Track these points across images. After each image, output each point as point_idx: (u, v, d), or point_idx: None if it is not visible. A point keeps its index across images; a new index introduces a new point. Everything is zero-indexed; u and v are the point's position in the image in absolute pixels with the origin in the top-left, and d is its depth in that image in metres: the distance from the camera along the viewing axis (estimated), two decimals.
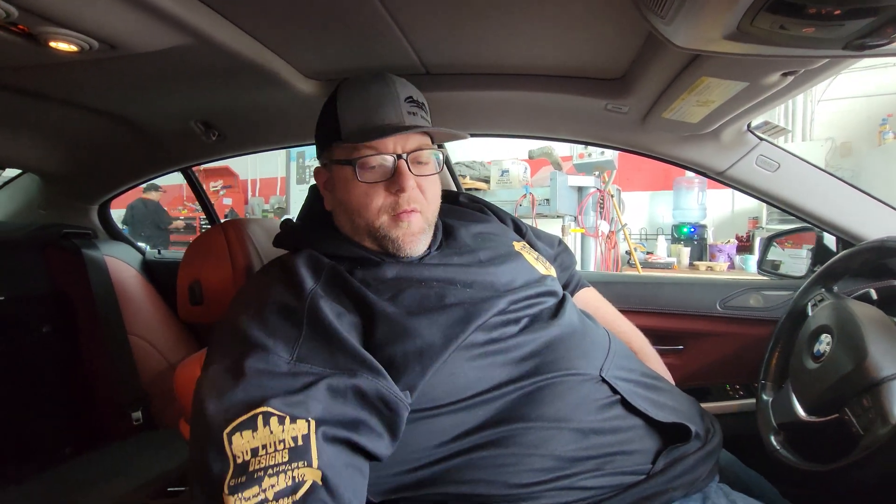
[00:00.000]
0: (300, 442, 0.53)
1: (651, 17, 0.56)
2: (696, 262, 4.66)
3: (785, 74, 0.68)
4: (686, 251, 4.78)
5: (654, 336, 1.11)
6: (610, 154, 3.71)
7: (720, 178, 1.12)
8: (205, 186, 8.58)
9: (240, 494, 0.49)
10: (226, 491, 0.50)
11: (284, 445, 0.52)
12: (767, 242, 1.53)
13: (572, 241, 3.67)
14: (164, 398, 1.50)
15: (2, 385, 1.37)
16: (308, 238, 0.81)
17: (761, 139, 1.06)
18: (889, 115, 4.36)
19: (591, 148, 3.76)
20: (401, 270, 0.75)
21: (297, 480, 0.51)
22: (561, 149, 4.25)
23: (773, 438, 0.89)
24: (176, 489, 0.99)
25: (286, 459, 0.52)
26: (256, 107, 1.15)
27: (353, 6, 0.75)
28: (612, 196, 3.86)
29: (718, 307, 1.25)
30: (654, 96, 0.88)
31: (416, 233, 0.76)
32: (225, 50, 0.83)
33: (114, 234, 1.71)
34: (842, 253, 0.95)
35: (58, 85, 1.03)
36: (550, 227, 3.75)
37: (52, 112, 1.17)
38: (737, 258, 4.75)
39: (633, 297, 1.30)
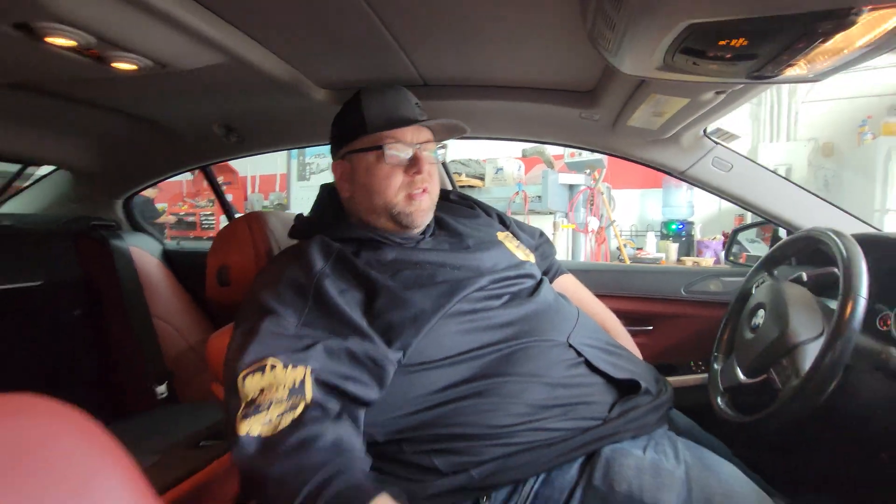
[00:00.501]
0: (296, 385, 0.70)
1: (602, 51, 0.71)
2: (684, 258, 4.82)
3: (717, 93, 0.83)
4: (674, 247, 4.94)
5: (626, 318, 1.27)
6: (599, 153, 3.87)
7: (682, 177, 1.27)
8: (205, 183, 8.66)
9: (248, 420, 0.67)
10: (238, 419, 0.68)
11: (285, 386, 0.70)
12: (733, 236, 1.69)
13: (563, 237, 3.82)
14: (186, 374, 1.65)
15: (38, 363, 1.52)
16: (320, 226, 0.96)
17: (716, 143, 1.21)
18: (869, 117, 4.52)
19: None
20: (399, 254, 0.90)
21: (294, 406, 0.69)
22: (553, 147, 4.39)
23: (719, 400, 1.04)
24: (207, 443, 1.14)
25: (285, 395, 0.69)
26: (274, 112, 1.29)
27: (362, 28, 0.89)
28: (602, 193, 4.01)
29: (682, 292, 1.41)
30: (618, 107, 1.03)
31: (425, 209, 0.92)
32: (252, 66, 0.98)
33: (136, 226, 1.86)
34: (780, 242, 1.10)
35: (99, 92, 1.17)
36: (542, 223, 3.90)
37: (88, 115, 1.31)
38: (722, 254, 4.91)
39: (607, 283, 1.45)
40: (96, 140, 1.49)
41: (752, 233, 1.93)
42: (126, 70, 0.87)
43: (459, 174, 4.82)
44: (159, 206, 7.20)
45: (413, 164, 0.91)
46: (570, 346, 0.89)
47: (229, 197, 7.48)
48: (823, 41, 0.52)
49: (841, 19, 0.47)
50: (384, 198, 0.91)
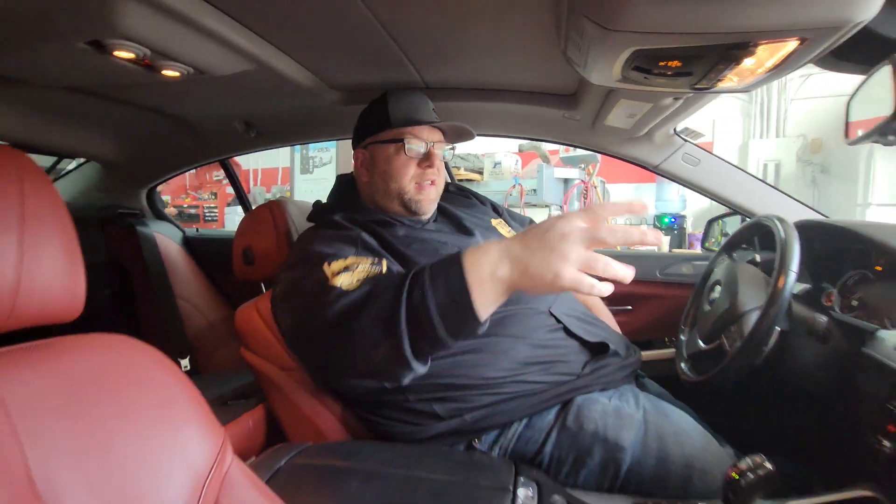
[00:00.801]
0: (375, 261, 0.88)
1: (574, 66, 0.85)
2: (676, 250, 4.97)
3: (675, 99, 0.98)
4: (666, 239, 5.09)
5: (608, 298, 1.40)
6: None
7: (656, 171, 1.42)
8: (208, 176, 8.71)
9: (339, 276, 0.84)
10: (329, 277, 0.84)
11: (363, 266, 0.86)
12: (708, 226, 1.84)
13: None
14: (206, 349, 1.81)
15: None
16: (338, 208, 1.10)
17: (685, 140, 1.36)
18: None
19: None
20: (409, 231, 1.05)
21: (375, 264, 0.87)
22: (549, 143, 4.54)
23: (683, 365, 1.20)
24: (234, 402, 1.29)
25: (368, 264, 0.87)
26: (290, 111, 1.44)
27: (371, 38, 1.02)
28: (596, 187, 4.16)
29: (658, 274, 1.56)
30: (595, 109, 1.18)
31: (432, 199, 1.09)
32: (275, 71, 1.12)
33: (159, 215, 2.00)
34: (737, 228, 1.25)
35: (132, 92, 1.31)
36: (537, 216, 4.04)
37: (120, 112, 1.45)
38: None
39: None
40: (125, 134, 1.63)
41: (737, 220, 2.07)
42: (171, 76, 1.01)
43: (459, 168, 4.96)
44: (163, 198, 7.31)
45: (426, 159, 1.06)
46: (551, 314, 1.04)
47: (231, 190, 7.56)
48: (738, 63, 0.67)
49: (744, 48, 0.62)
50: (399, 184, 1.06)
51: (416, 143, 1.05)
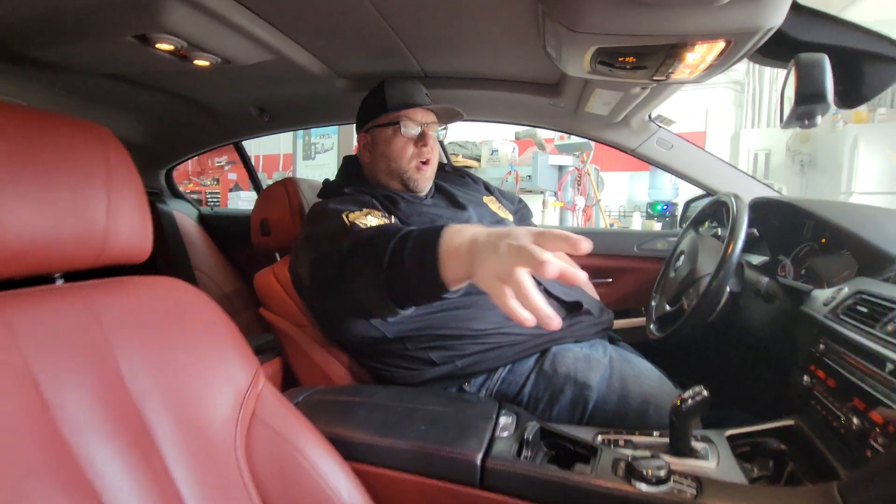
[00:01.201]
0: (383, 218, 1.00)
1: (552, 59, 0.99)
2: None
3: (642, 88, 1.12)
4: (658, 226, 5.24)
5: (590, 271, 1.58)
6: None
7: (634, 154, 1.56)
8: (210, 162, 8.80)
9: (356, 219, 0.96)
10: (346, 221, 0.96)
11: (376, 216, 0.99)
12: (685, 207, 1.98)
13: (552, 214, 4.11)
14: None
15: None
16: (346, 184, 1.25)
17: (659, 126, 1.50)
18: None
19: None
20: (409, 206, 1.19)
21: (384, 217, 0.99)
22: (545, 131, 4.67)
23: (651, 326, 1.35)
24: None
25: (380, 216, 0.99)
26: (301, 97, 1.58)
27: (375, 30, 1.14)
28: (590, 174, 4.30)
29: (636, 249, 1.71)
30: (576, 98, 1.32)
31: (429, 178, 1.23)
32: (291, 60, 1.26)
33: (176, 193, 2.15)
34: (702, 206, 1.40)
35: (160, 78, 1.45)
36: (532, 201, 4.18)
37: (144, 96, 1.58)
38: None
39: None
40: (148, 117, 1.77)
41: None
42: (201, 66, 1.15)
43: (457, 155, 5.09)
44: None
45: (421, 139, 1.19)
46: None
47: (234, 176, 7.64)
48: (682, 59, 0.81)
49: (683, 47, 0.76)
50: (399, 164, 1.20)
51: (411, 125, 1.18)
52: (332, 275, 0.93)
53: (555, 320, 0.56)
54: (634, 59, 0.83)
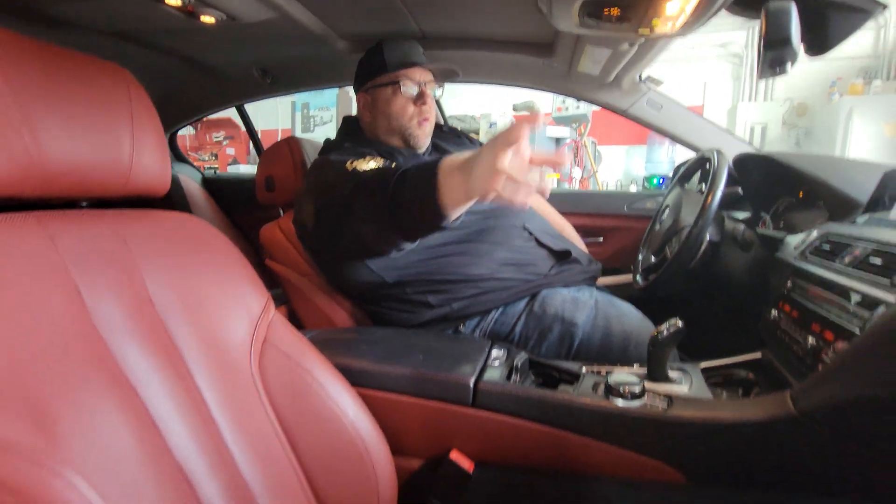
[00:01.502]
0: (385, 163, 1.04)
1: (545, 15, 1.04)
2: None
3: (630, 45, 1.17)
4: None
5: (582, 231, 1.64)
6: (584, 108, 4.18)
7: (626, 114, 1.62)
8: (208, 137, 8.78)
9: (359, 166, 1.02)
10: (349, 168, 1.02)
11: (378, 161, 1.04)
12: (676, 170, 2.04)
13: (549, 185, 4.15)
14: None
15: None
16: (347, 141, 1.30)
17: (649, 88, 1.55)
18: (839, 79, 4.81)
19: (567, 102, 4.22)
20: (407, 161, 1.25)
21: (387, 163, 1.04)
22: (543, 104, 4.69)
23: (637, 277, 1.42)
24: None
25: (382, 162, 1.04)
26: (302, 59, 1.62)
27: None
28: (587, 147, 4.34)
29: (626, 209, 1.78)
30: (569, 57, 1.37)
31: (428, 134, 1.28)
32: (293, 19, 1.30)
33: (180, 157, 2.20)
34: (688, 162, 1.46)
35: (164, 38, 1.49)
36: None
37: (148, 56, 1.61)
38: None
39: (567, 203, 1.81)
40: (153, 79, 1.81)
41: None
42: (207, 22, 1.20)
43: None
44: None
45: (420, 97, 1.25)
46: (525, 228, 1.26)
47: (231, 151, 7.63)
48: (662, 11, 0.86)
49: None
50: (399, 122, 1.25)
51: (410, 85, 1.23)
52: (336, 217, 1.00)
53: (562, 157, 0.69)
54: (618, 12, 0.88)
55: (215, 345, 0.74)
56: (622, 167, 6.22)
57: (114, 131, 0.69)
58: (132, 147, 0.72)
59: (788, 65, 0.83)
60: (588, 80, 1.52)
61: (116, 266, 0.67)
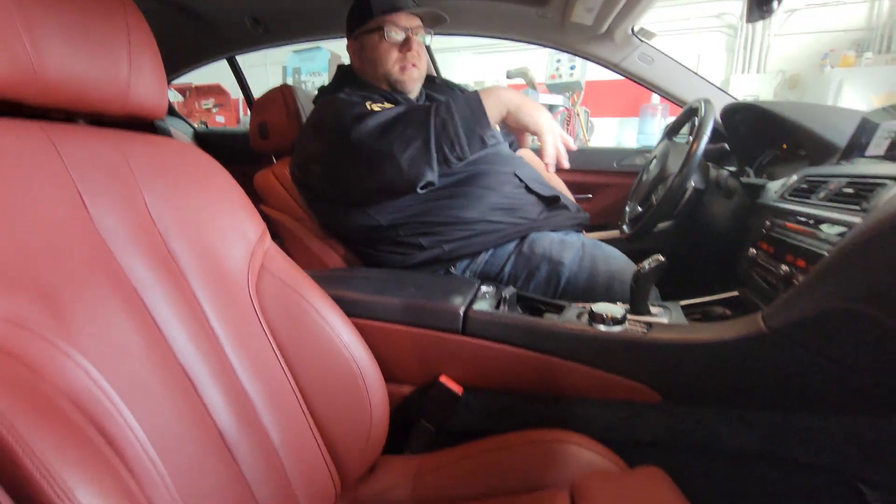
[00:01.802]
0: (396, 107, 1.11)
1: None
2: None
3: None
4: None
5: (572, 186, 1.67)
6: (578, 75, 4.16)
7: (617, 69, 1.63)
8: (197, 105, 8.64)
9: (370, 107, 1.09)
10: (368, 108, 1.10)
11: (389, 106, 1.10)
12: (666, 127, 2.07)
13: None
14: None
15: None
16: (341, 88, 1.31)
17: (642, 41, 1.56)
18: (831, 51, 4.81)
19: (560, 70, 4.20)
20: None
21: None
22: (537, 72, 4.66)
23: (624, 226, 1.46)
24: None
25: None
26: (295, 7, 1.61)
27: None
28: (579, 115, 4.33)
29: (615, 165, 1.80)
30: (562, 6, 1.38)
31: (414, 79, 1.28)
32: None
33: (171, 111, 2.18)
34: (677, 115, 1.49)
35: None
36: None
37: (139, 4, 1.60)
38: None
39: None
40: None
41: None
42: None
43: None
44: None
45: (405, 43, 1.25)
46: (515, 175, 1.28)
47: (221, 119, 7.51)
48: None
49: None
50: (384, 68, 1.26)
51: (394, 30, 1.23)
52: (358, 151, 1.05)
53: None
54: None
55: (215, 266, 0.76)
56: (614, 139, 6.22)
57: (111, 48, 0.70)
58: (129, 66, 0.73)
59: (775, 4, 0.85)
60: (581, 32, 1.52)
61: (119, 181, 0.68)
